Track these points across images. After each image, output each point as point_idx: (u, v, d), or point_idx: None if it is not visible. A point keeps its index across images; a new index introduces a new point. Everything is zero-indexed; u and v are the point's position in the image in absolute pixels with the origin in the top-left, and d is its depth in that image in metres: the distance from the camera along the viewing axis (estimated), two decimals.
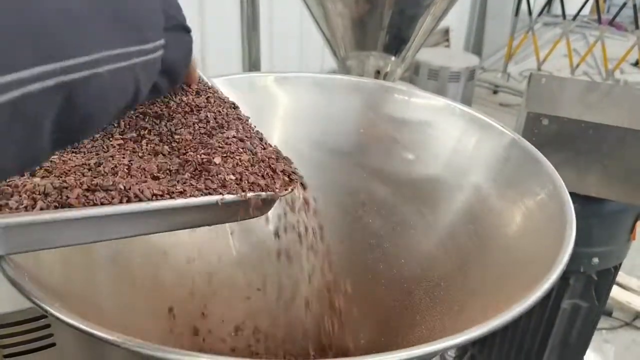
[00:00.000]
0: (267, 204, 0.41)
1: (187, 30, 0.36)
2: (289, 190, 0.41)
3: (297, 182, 0.41)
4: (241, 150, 0.41)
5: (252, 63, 1.34)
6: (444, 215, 0.55)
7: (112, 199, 0.33)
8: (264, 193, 0.39)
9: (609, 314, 1.66)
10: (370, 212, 0.61)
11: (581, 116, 0.88)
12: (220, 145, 0.40)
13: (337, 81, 0.61)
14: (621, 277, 1.84)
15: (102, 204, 0.32)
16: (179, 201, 0.35)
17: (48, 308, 0.31)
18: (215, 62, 1.70)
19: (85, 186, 0.32)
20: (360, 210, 0.62)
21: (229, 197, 0.37)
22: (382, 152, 0.60)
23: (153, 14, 0.32)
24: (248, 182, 0.38)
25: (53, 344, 0.60)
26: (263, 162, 0.41)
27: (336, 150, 0.61)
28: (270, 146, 0.43)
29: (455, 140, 0.55)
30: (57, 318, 0.30)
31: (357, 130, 0.60)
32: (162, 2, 0.33)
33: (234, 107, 0.45)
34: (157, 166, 0.37)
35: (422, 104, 0.58)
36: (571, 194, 0.91)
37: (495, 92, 3.35)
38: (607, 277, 1.02)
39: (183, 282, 0.55)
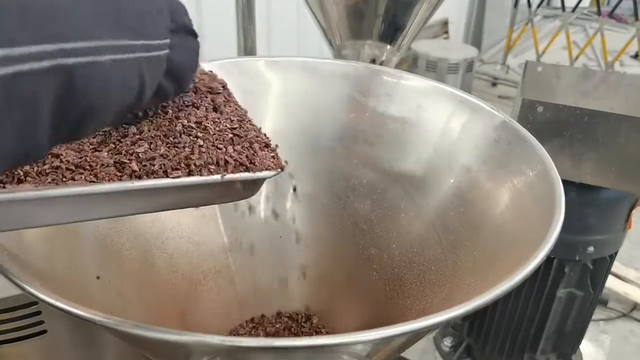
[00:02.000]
0: (254, 185, 0.41)
1: (194, 35, 0.34)
2: (277, 171, 0.40)
3: (283, 162, 0.41)
4: (226, 129, 0.40)
5: (247, 52, 1.33)
6: (434, 198, 0.54)
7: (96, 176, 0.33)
8: (250, 173, 0.38)
9: (605, 303, 1.66)
10: (361, 197, 0.61)
11: (576, 103, 0.87)
12: (205, 123, 0.39)
13: (328, 65, 0.60)
14: (619, 268, 1.84)
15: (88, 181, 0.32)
16: (166, 180, 0.34)
17: (26, 286, 0.30)
18: (211, 52, 1.70)
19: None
20: (352, 195, 0.61)
21: (213, 177, 0.36)
22: (372, 136, 0.59)
23: (159, 12, 0.31)
24: (234, 163, 0.38)
25: (44, 331, 0.60)
26: (248, 141, 0.40)
27: (326, 135, 0.60)
28: (255, 127, 0.43)
29: (444, 122, 0.54)
30: (33, 294, 0.30)
31: (348, 114, 0.60)
32: (168, 3, 0.32)
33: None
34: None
35: (411, 86, 0.57)
36: (566, 181, 0.92)
37: (494, 84, 3.34)
38: (603, 265, 1.02)
39: (172, 265, 0.55)
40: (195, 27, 0.35)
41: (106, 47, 0.26)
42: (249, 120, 0.43)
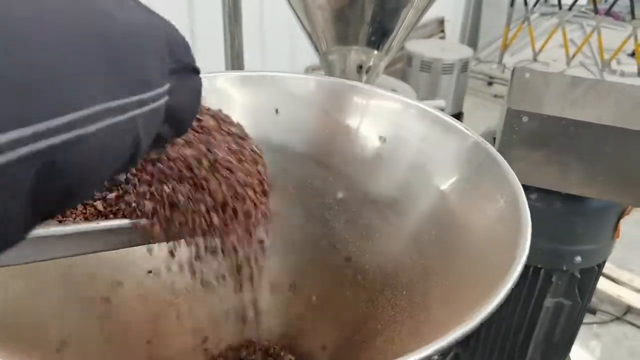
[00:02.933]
0: None
1: (197, 72, 0.30)
2: None
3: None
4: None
5: (234, 58, 1.31)
6: (408, 219, 0.53)
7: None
8: None
9: (593, 312, 1.65)
10: (336, 216, 0.59)
11: (562, 113, 0.86)
12: None
13: (299, 81, 0.58)
14: (612, 270, 1.83)
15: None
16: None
17: None
18: (202, 60, 1.68)
19: None
20: (327, 213, 0.60)
21: None
22: (347, 154, 0.58)
23: (157, 55, 0.26)
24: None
25: None
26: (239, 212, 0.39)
27: (300, 153, 0.59)
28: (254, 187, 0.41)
29: (418, 141, 0.53)
30: None
31: (322, 131, 0.58)
32: (168, 40, 0.27)
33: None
34: None
35: (385, 104, 0.56)
36: (553, 192, 0.90)
37: (490, 83, 3.33)
38: (591, 275, 1.01)
39: (132, 298, 0.53)
40: (187, 34, 0.32)
41: (96, 113, 0.22)
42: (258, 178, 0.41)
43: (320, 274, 0.60)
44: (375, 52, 1.12)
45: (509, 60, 3.57)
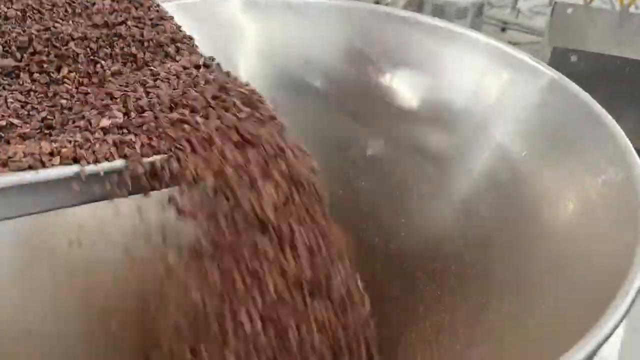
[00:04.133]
0: None
1: None
2: None
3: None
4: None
5: None
6: (457, 178, 0.43)
7: None
8: None
9: None
10: (363, 172, 0.49)
11: (615, 51, 0.75)
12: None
13: (320, 6, 0.47)
14: None
15: None
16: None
17: None
18: None
19: None
20: (350, 169, 0.49)
21: None
22: (378, 97, 0.47)
23: None
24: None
25: None
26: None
27: (318, 95, 0.48)
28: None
29: (474, 82, 0.42)
30: None
31: (346, 68, 0.47)
32: None
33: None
34: None
35: (431, 34, 0.45)
36: None
37: (503, 29, 3.16)
38: None
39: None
40: None
41: None
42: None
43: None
44: None
45: (523, 4, 3.39)
